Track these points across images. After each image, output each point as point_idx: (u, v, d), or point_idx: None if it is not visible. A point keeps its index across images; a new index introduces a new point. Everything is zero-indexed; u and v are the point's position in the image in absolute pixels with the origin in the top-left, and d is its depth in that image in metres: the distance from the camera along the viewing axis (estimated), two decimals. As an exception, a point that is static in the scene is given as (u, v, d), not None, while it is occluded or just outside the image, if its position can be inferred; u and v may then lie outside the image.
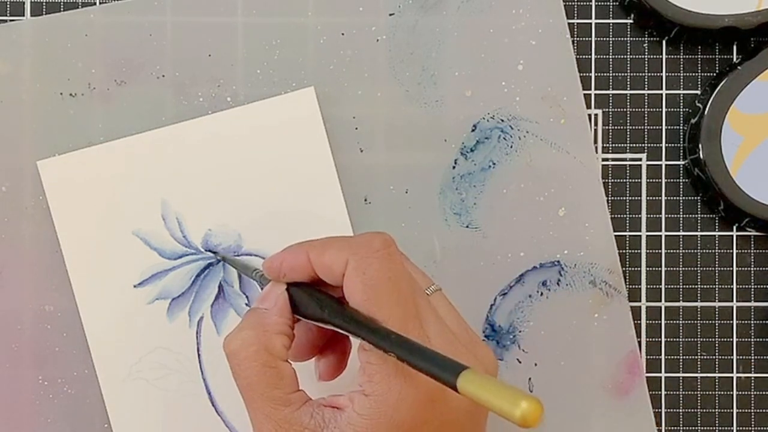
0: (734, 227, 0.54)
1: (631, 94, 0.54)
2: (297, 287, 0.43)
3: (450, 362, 0.35)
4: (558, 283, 0.53)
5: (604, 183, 0.53)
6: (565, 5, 0.53)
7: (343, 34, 0.53)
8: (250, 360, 0.41)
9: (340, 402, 0.40)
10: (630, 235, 0.54)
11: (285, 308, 0.43)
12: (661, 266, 0.54)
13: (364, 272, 0.40)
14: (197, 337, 0.52)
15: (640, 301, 0.54)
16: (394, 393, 0.39)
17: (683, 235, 0.54)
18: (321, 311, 0.41)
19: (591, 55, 0.54)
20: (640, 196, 0.54)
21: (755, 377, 0.54)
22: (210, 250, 0.52)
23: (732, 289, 0.54)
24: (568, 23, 0.53)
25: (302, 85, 0.53)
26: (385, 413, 0.39)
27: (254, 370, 0.41)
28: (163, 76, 0.52)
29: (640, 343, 0.53)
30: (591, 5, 0.54)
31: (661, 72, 0.54)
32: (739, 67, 0.52)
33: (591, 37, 0.54)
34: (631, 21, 0.54)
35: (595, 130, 0.54)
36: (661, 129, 0.54)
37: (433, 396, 0.39)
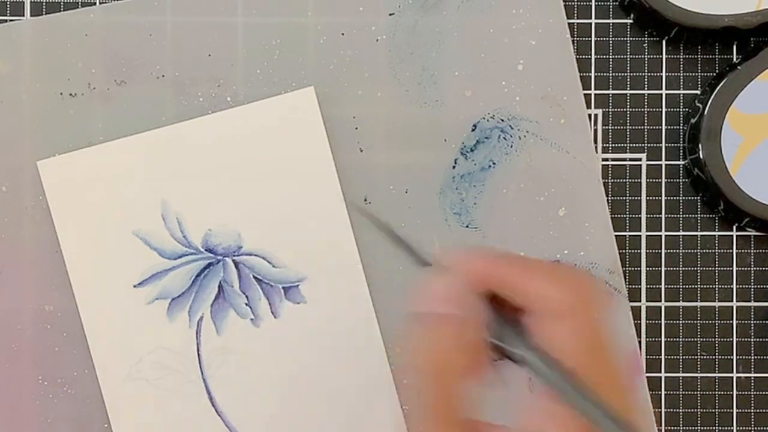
0: (734, 227, 0.54)
1: (631, 94, 0.54)
2: (499, 315, 0.38)
3: None
4: (558, 283, 0.53)
5: (604, 183, 0.53)
6: (565, 5, 0.53)
7: (343, 34, 0.53)
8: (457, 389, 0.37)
9: None
10: (630, 235, 0.54)
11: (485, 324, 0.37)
12: (661, 266, 0.54)
13: (581, 327, 0.36)
14: (197, 337, 0.52)
15: (640, 301, 0.54)
16: None
17: (683, 235, 0.54)
18: (522, 348, 0.37)
19: (591, 55, 0.54)
20: (640, 196, 0.54)
21: (755, 377, 0.54)
22: (209, 249, 0.52)
23: (732, 289, 0.54)
24: (568, 23, 0.53)
25: (302, 85, 0.53)
26: None
27: (454, 397, 0.36)
28: (163, 76, 0.52)
29: (640, 343, 0.53)
30: (591, 5, 0.54)
31: (661, 72, 0.54)
32: (739, 67, 0.52)
33: (591, 37, 0.54)
34: (631, 21, 0.54)
35: (595, 130, 0.54)
36: (661, 129, 0.54)
37: None
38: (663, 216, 0.54)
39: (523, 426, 0.36)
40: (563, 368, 0.35)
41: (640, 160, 0.54)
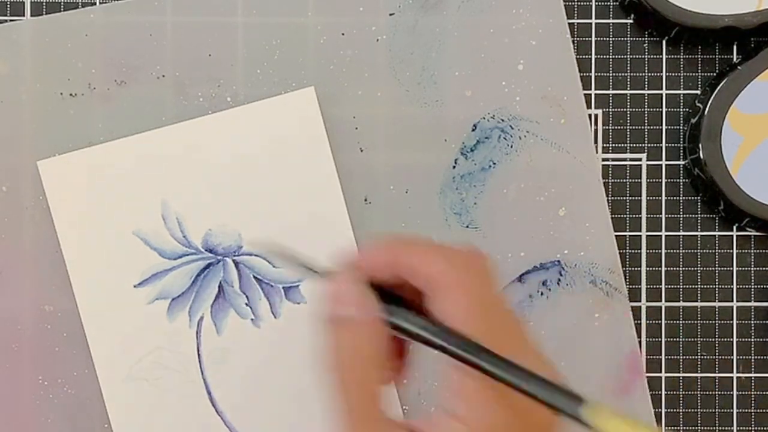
0: (734, 227, 0.54)
1: (631, 94, 0.54)
2: (389, 300, 0.39)
3: (573, 393, 0.33)
4: (558, 283, 0.53)
5: (604, 183, 0.53)
6: (565, 5, 0.53)
7: (343, 34, 0.53)
8: (355, 386, 0.38)
9: (415, 425, 0.37)
10: (630, 235, 0.54)
11: (380, 320, 0.38)
12: (661, 266, 0.54)
13: (467, 291, 0.37)
14: (197, 337, 0.52)
15: (640, 301, 0.54)
16: (498, 419, 0.35)
17: (683, 235, 0.54)
18: (421, 330, 0.38)
19: (591, 55, 0.54)
20: (640, 196, 0.54)
21: (755, 377, 0.54)
22: (209, 249, 0.52)
23: (732, 289, 0.54)
24: (568, 23, 0.53)
25: (302, 85, 0.53)
26: None
27: (358, 396, 0.38)
28: (163, 76, 0.52)
29: (640, 343, 0.53)
30: (591, 5, 0.54)
31: (661, 72, 0.54)
32: (739, 67, 0.52)
33: (591, 37, 0.54)
34: (631, 21, 0.54)
35: (595, 130, 0.54)
36: (661, 129, 0.54)
37: (541, 426, 0.36)
38: (663, 216, 0.54)
39: (440, 405, 0.37)
40: (465, 339, 0.36)
41: (640, 160, 0.54)
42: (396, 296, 0.39)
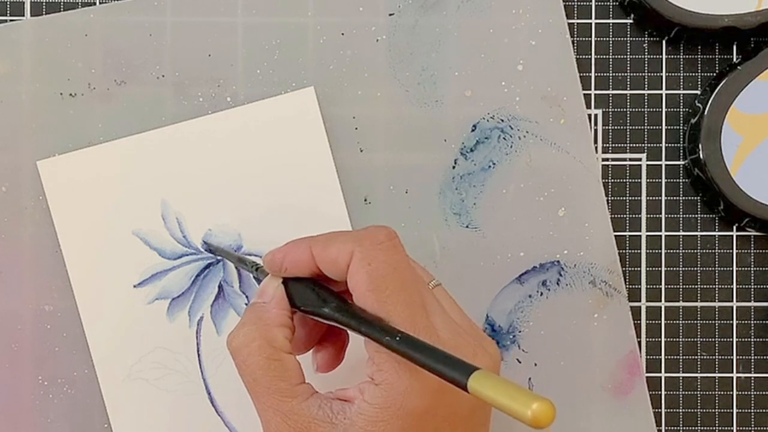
0: (734, 227, 0.54)
1: (631, 94, 0.54)
2: (299, 282, 0.43)
3: (459, 362, 0.35)
4: (558, 283, 0.53)
5: (604, 183, 0.53)
6: (565, 5, 0.53)
7: (343, 34, 0.53)
8: (254, 355, 0.41)
9: (348, 394, 0.40)
10: (630, 235, 0.54)
11: (283, 300, 0.43)
12: (661, 266, 0.54)
13: (369, 263, 0.40)
14: (197, 337, 0.52)
15: (640, 301, 0.54)
16: (405, 381, 0.39)
17: (683, 235, 0.54)
18: (323, 306, 0.42)
19: (591, 55, 0.54)
20: (640, 196, 0.54)
21: (755, 377, 0.54)
22: (207, 249, 0.52)
23: (732, 289, 0.54)
24: (568, 23, 0.53)
25: (302, 85, 0.53)
26: (395, 401, 0.39)
27: (258, 364, 0.41)
28: (163, 76, 0.52)
29: (640, 343, 0.53)
30: (591, 5, 0.54)
31: (661, 72, 0.54)
32: (739, 67, 0.52)
33: (591, 37, 0.54)
34: (631, 21, 0.54)
35: (595, 130, 0.54)
36: (661, 129, 0.54)
37: (442, 385, 0.39)
38: (663, 216, 0.54)
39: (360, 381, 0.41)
40: (369, 316, 0.40)
41: (640, 160, 0.54)
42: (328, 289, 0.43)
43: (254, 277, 0.47)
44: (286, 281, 0.43)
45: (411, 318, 0.40)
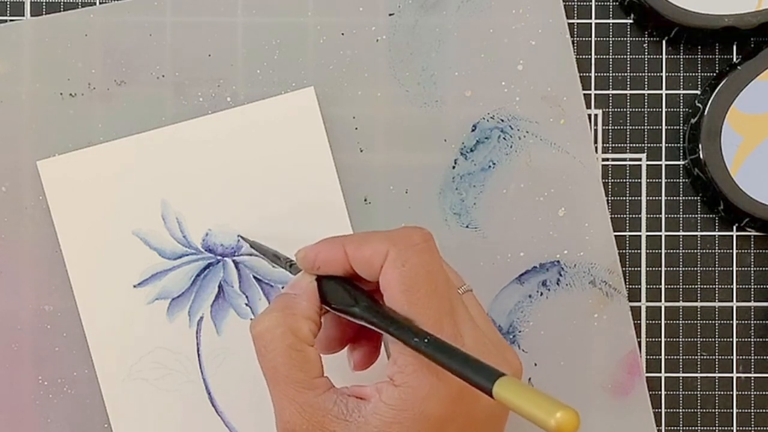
0: (734, 227, 0.54)
1: (631, 94, 0.54)
2: (331, 280, 0.43)
3: (486, 367, 0.35)
4: (558, 283, 0.53)
5: (604, 183, 0.53)
6: (565, 5, 0.53)
7: (343, 34, 0.53)
8: (276, 341, 0.41)
9: (365, 392, 0.40)
10: (630, 235, 0.54)
11: (314, 296, 0.43)
12: (661, 266, 0.54)
13: (403, 264, 0.40)
14: (197, 337, 0.52)
15: (640, 301, 0.54)
16: (426, 386, 0.39)
17: (683, 235, 0.54)
18: (354, 306, 0.41)
19: (591, 55, 0.54)
20: (640, 196, 0.54)
21: (755, 377, 0.54)
22: (209, 249, 0.52)
23: (732, 289, 0.54)
24: (568, 23, 0.53)
25: (302, 85, 0.53)
26: (414, 405, 0.39)
27: (279, 351, 0.41)
28: (163, 76, 0.53)
29: (640, 343, 0.53)
30: (591, 5, 0.54)
31: (661, 72, 0.54)
32: (739, 67, 0.52)
33: (591, 37, 0.54)
34: (631, 21, 0.54)
35: (595, 130, 0.54)
36: (661, 129, 0.54)
37: (463, 393, 0.39)
38: (663, 216, 0.54)
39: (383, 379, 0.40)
40: (398, 317, 0.40)
41: (640, 160, 0.54)
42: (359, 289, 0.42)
43: (288, 271, 0.47)
44: (319, 278, 0.43)
45: (438, 322, 0.40)
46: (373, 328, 0.41)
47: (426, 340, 0.38)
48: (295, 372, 0.41)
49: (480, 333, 0.41)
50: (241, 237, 0.52)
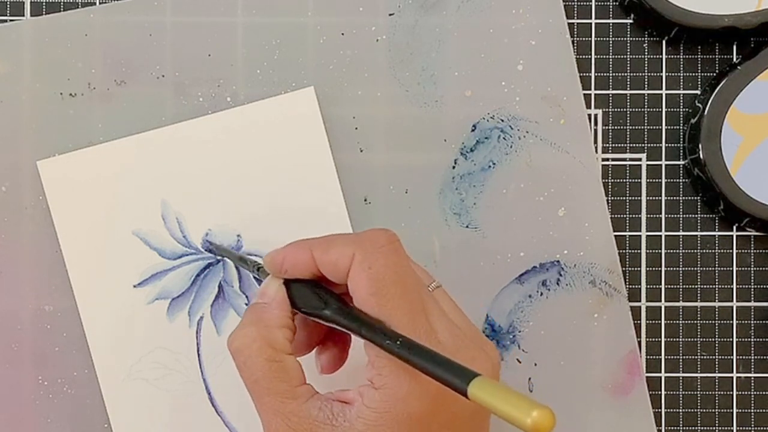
0: (734, 227, 0.54)
1: (631, 94, 0.54)
2: (300, 283, 0.43)
3: (460, 368, 0.35)
4: (558, 283, 0.53)
5: (604, 183, 0.53)
6: (565, 5, 0.53)
7: (343, 34, 0.53)
8: (254, 356, 0.41)
9: (348, 396, 0.41)
10: (630, 235, 0.54)
11: (284, 302, 0.43)
12: (661, 266, 0.54)
13: (369, 266, 0.40)
14: (197, 337, 0.52)
15: (640, 301, 0.54)
16: (404, 386, 0.39)
17: (683, 235, 0.54)
18: (324, 309, 0.41)
19: (591, 55, 0.54)
20: (640, 196, 0.54)
21: (755, 377, 0.54)
22: (208, 249, 0.52)
23: (732, 289, 0.54)
24: (568, 23, 0.53)
25: (302, 85, 0.53)
26: (395, 406, 0.39)
27: (259, 365, 0.41)
28: (163, 76, 0.53)
29: (640, 343, 0.53)
30: (591, 5, 0.54)
31: (661, 72, 0.54)
32: (739, 67, 0.52)
33: (591, 37, 0.54)
34: (631, 21, 0.54)
35: (595, 130, 0.54)
36: (661, 129, 0.54)
37: (442, 389, 0.39)
38: (663, 216, 0.54)
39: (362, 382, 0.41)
40: (369, 319, 0.40)
41: (640, 160, 0.54)
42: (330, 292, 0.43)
43: (255, 277, 0.47)
44: (288, 282, 0.43)
45: (411, 321, 0.40)
46: (344, 330, 0.41)
47: (398, 342, 0.38)
48: (277, 383, 0.41)
49: (454, 327, 0.41)
50: (209, 241, 0.52)
